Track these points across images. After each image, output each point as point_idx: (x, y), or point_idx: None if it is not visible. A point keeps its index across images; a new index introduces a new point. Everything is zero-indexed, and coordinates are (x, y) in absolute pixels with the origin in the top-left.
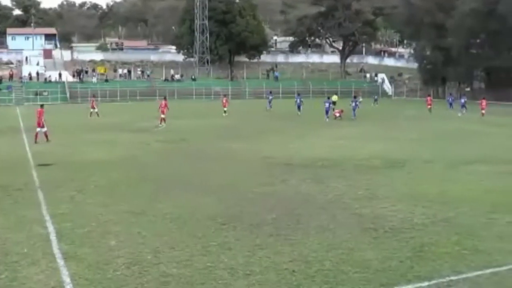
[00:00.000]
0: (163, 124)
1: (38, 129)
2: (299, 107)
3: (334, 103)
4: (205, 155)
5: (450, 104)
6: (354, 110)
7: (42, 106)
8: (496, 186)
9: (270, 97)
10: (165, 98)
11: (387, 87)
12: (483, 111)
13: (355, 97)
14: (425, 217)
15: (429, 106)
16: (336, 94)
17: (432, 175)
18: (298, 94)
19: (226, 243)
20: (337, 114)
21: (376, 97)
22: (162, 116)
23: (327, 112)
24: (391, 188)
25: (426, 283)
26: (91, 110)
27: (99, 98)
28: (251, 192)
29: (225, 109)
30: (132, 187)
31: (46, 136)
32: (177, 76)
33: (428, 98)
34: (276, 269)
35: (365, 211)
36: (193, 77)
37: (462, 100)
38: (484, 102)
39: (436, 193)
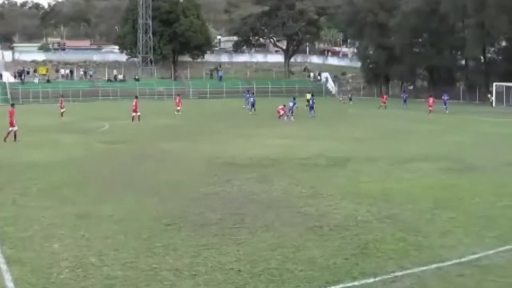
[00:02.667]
0: (137, 121)
1: (10, 128)
2: (253, 105)
3: (308, 101)
4: (149, 155)
5: (404, 100)
6: (312, 108)
7: (13, 105)
8: (437, 182)
9: (247, 96)
10: (136, 97)
11: (331, 86)
12: (431, 108)
13: (312, 95)
14: (369, 214)
15: (383, 103)
16: (309, 92)
17: (376, 173)
18: (253, 93)
19: (171, 244)
20: (281, 112)
21: (350, 95)
22: (134, 114)
23: (290, 111)
24: (335, 186)
25: (371, 280)
26: (61, 110)
27: (40, 99)
28: (196, 192)
29: (178, 108)
30: (75, 189)
31: (15, 136)
32: (120, 76)
33: (385, 96)
34: (222, 269)
35: (309, 209)
36: (136, 77)
37: (404, 96)
38: (431, 100)
39: (380, 191)
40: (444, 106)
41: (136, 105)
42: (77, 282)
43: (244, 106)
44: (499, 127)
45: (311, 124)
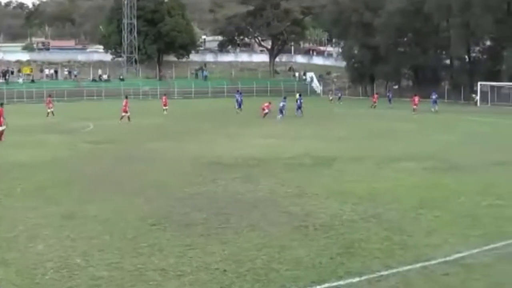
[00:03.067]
0: (126, 120)
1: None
2: (239, 105)
3: (297, 101)
4: (134, 155)
5: (389, 100)
6: (299, 108)
7: (1, 104)
8: (423, 182)
9: (237, 96)
10: (126, 97)
11: (316, 85)
12: (415, 107)
13: (300, 95)
14: (354, 213)
15: (374, 103)
16: (299, 93)
17: (361, 172)
18: (240, 93)
19: (156, 244)
20: (266, 110)
21: (340, 94)
22: (123, 114)
23: (281, 111)
24: (321, 185)
25: (357, 279)
26: (48, 110)
27: (25, 99)
28: (181, 192)
29: (165, 108)
30: (60, 189)
31: (1, 135)
32: (104, 76)
33: (375, 95)
34: (208, 269)
35: (295, 208)
36: (121, 77)
37: (389, 95)
38: (416, 99)
39: (365, 190)
40: (434, 105)
41: (126, 105)
42: (62, 283)
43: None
44: (484, 126)
45: (296, 124)
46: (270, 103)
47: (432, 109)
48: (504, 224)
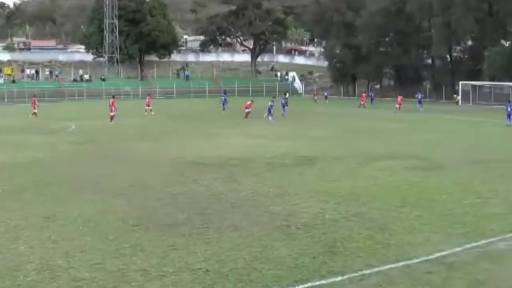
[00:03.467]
0: (114, 121)
1: None
2: (223, 104)
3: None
4: (115, 156)
5: (372, 99)
6: (284, 107)
7: None
8: (404, 180)
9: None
10: (113, 97)
11: (298, 85)
12: (398, 106)
13: (285, 94)
14: (336, 213)
15: (362, 102)
16: (287, 92)
17: (343, 172)
18: (225, 92)
19: (138, 245)
20: (248, 109)
21: (326, 93)
22: (112, 114)
23: (269, 111)
24: (302, 185)
25: (339, 278)
26: (33, 110)
27: (5, 99)
28: (163, 193)
29: (149, 108)
30: (41, 190)
31: None
32: (86, 76)
33: (363, 94)
34: (190, 269)
35: (277, 208)
36: (102, 77)
37: (371, 95)
38: (400, 98)
39: (347, 189)
40: (419, 105)
41: (113, 105)
42: (44, 284)
43: (221, 106)
44: (464, 125)
45: (279, 124)
46: (252, 101)
47: (421, 109)
48: (484, 222)
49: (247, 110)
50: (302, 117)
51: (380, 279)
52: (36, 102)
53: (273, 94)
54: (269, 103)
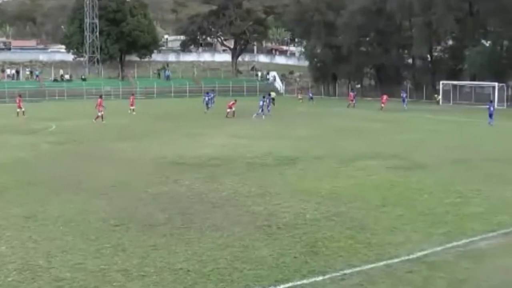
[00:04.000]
0: (99, 120)
1: None
2: (207, 105)
3: (273, 99)
4: (96, 156)
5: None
6: (268, 106)
7: None
8: (385, 180)
9: (212, 95)
10: (100, 96)
11: (279, 85)
12: (383, 105)
13: (269, 94)
14: (317, 212)
15: (351, 102)
16: (272, 91)
17: (324, 171)
18: (207, 93)
19: (119, 245)
20: (232, 109)
21: (311, 94)
22: (99, 113)
23: (261, 109)
24: (283, 185)
25: (320, 278)
26: (18, 110)
27: None
28: (144, 193)
29: (132, 108)
30: (22, 190)
31: None
32: (66, 76)
33: (351, 94)
34: (171, 269)
35: (258, 208)
36: (83, 77)
37: (353, 94)
38: (384, 97)
39: (328, 189)
40: (403, 104)
41: (100, 104)
42: (25, 285)
43: (208, 106)
44: (445, 125)
45: (260, 123)
46: (235, 101)
47: (405, 107)
48: (465, 222)
49: (229, 110)
50: (284, 116)
51: (362, 279)
52: (21, 102)
53: (254, 94)
54: (260, 102)
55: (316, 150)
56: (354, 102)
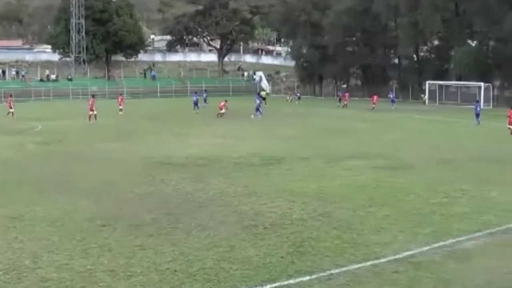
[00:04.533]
0: (92, 120)
1: None
2: (195, 104)
3: (264, 98)
4: (82, 156)
5: (339, 99)
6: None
7: None
8: (372, 180)
9: (205, 95)
10: (93, 96)
11: (265, 85)
12: (374, 105)
13: (258, 93)
14: (304, 212)
15: (345, 102)
16: (263, 90)
17: (310, 171)
18: (195, 92)
19: (106, 245)
20: (223, 110)
21: (298, 94)
22: (90, 113)
23: (258, 109)
24: (270, 184)
25: (307, 278)
26: (9, 110)
27: None
28: (130, 193)
29: (120, 107)
30: (8, 191)
31: None
32: (52, 76)
33: (346, 95)
34: (158, 269)
35: (244, 208)
36: (69, 77)
37: (340, 94)
38: (375, 98)
39: (314, 189)
40: (392, 104)
41: (92, 104)
42: (12, 285)
43: (203, 105)
44: (432, 125)
45: (246, 123)
46: (226, 101)
47: (393, 107)
48: (452, 222)
49: (221, 111)
50: (269, 117)
51: (348, 279)
52: (12, 102)
53: (240, 94)
54: (257, 101)
55: (303, 150)
56: (346, 102)
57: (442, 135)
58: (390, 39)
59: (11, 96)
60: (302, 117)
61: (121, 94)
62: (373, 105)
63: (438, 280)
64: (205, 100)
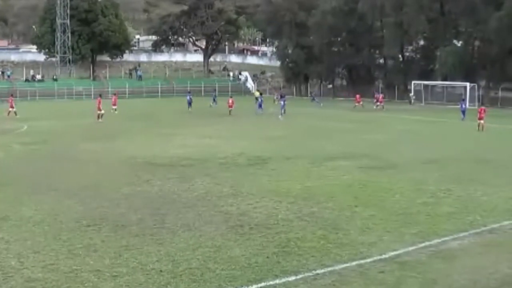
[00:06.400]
0: (100, 120)
1: None
2: (189, 104)
3: (256, 98)
4: (68, 156)
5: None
6: (282, 108)
7: None
8: (357, 180)
9: (213, 95)
10: (100, 96)
11: (250, 85)
12: (357, 104)
13: (281, 96)
14: (290, 212)
15: (356, 104)
16: (258, 90)
17: (296, 172)
18: (189, 92)
19: (91, 245)
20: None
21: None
22: (99, 112)
23: (260, 106)
24: (255, 185)
25: (293, 278)
26: (10, 109)
27: None
28: (116, 193)
29: (115, 107)
30: None
31: None
32: (38, 77)
33: (357, 96)
34: (143, 270)
35: (230, 208)
36: (54, 77)
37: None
38: (358, 96)
39: (300, 189)
40: (378, 103)
41: (100, 103)
42: None
43: (211, 105)
44: (417, 125)
45: (232, 124)
46: (231, 97)
47: (376, 107)
48: (437, 222)
49: (231, 108)
50: (255, 117)
51: (334, 279)
52: (13, 101)
53: (226, 94)
54: (259, 100)
55: (288, 150)
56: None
57: (428, 135)
58: (376, 39)
59: (12, 96)
60: (288, 117)
61: (115, 94)
62: (356, 104)
63: (424, 280)
64: (214, 100)
